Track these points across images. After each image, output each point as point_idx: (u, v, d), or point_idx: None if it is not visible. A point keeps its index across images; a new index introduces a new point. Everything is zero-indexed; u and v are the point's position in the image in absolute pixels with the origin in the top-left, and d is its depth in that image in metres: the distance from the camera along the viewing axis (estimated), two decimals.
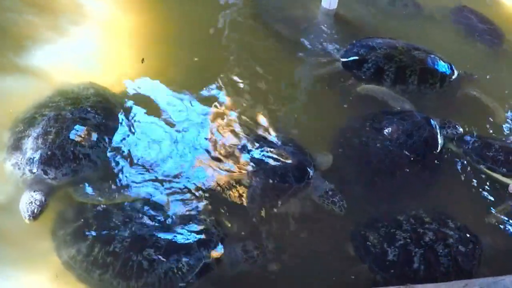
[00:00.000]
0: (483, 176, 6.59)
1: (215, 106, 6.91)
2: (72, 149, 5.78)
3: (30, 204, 5.41)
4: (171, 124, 6.59)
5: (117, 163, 6.07)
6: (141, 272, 5.12)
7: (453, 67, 7.75)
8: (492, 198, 6.40)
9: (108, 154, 6.06)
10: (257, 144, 6.33)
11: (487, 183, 6.53)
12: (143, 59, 7.32)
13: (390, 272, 5.44)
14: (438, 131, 6.72)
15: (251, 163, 6.13)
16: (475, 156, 6.60)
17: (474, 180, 6.58)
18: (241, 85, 7.33)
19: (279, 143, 6.40)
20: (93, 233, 5.37)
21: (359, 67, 7.49)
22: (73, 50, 7.39)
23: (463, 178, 6.62)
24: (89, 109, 6.26)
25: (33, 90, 6.63)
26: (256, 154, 6.21)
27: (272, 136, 6.55)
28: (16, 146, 5.80)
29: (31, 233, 5.52)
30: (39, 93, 6.48)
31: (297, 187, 6.01)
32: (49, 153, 5.68)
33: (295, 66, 8.00)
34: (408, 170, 6.43)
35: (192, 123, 6.67)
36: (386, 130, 6.64)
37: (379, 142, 6.56)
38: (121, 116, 6.48)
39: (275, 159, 6.13)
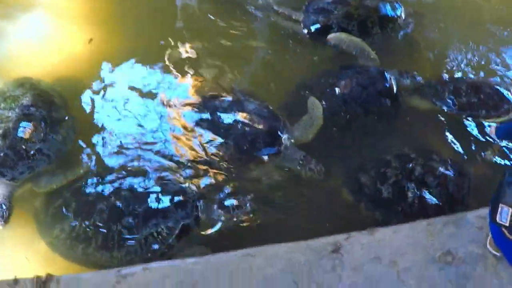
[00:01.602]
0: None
1: (178, 77, 6.87)
2: (23, 147, 5.77)
3: None
4: (131, 100, 6.56)
5: (71, 150, 6.08)
6: (122, 241, 5.18)
7: (400, 6, 7.68)
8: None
9: (59, 144, 6.03)
10: (228, 110, 6.25)
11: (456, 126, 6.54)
12: (90, 39, 7.21)
13: (387, 208, 5.57)
14: (394, 82, 6.66)
15: (222, 129, 6.08)
16: (454, 108, 6.51)
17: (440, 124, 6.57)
18: (201, 54, 7.24)
19: (252, 108, 6.28)
20: (73, 211, 5.41)
21: (324, 34, 7.37)
22: (23, 37, 7.29)
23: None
24: (30, 104, 6.15)
25: None
26: (228, 119, 6.15)
27: (244, 101, 6.41)
28: None
29: (13, 222, 5.56)
30: None
31: (267, 152, 5.99)
32: (1, 155, 5.65)
33: (255, 29, 7.87)
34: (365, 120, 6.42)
35: (152, 95, 6.62)
36: (340, 84, 6.60)
37: (333, 96, 6.51)
38: (63, 103, 6.42)
39: (246, 125, 6.08)
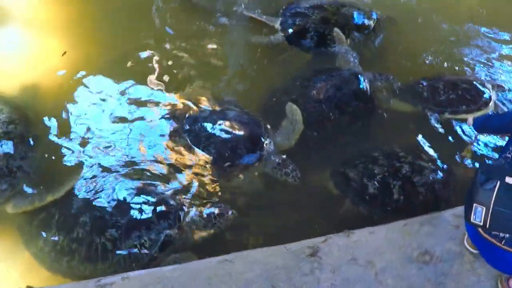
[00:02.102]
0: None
1: (156, 87, 6.89)
2: (5, 164, 5.78)
3: None
4: (109, 112, 6.58)
5: (51, 164, 6.06)
6: (106, 253, 5.18)
7: (375, 14, 7.87)
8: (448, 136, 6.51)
9: (38, 160, 6.06)
10: (208, 118, 6.29)
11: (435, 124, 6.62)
12: (64, 52, 7.22)
13: (371, 203, 5.62)
14: (367, 84, 6.76)
15: (203, 137, 6.12)
16: (435, 107, 6.63)
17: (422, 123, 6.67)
18: (177, 63, 7.28)
19: (233, 116, 6.33)
20: (56, 223, 5.42)
21: (301, 37, 7.55)
22: None
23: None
24: (7, 121, 6.15)
25: None
26: (208, 127, 6.18)
27: (224, 109, 6.48)
28: None
29: None
30: None
31: (249, 159, 6.03)
32: None
33: (232, 36, 7.92)
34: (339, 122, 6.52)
35: (130, 106, 6.65)
36: (314, 87, 6.67)
37: (307, 98, 6.58)
38: (38, 119, 6.43)
39: (227, 132, 6.11)
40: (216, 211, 5.56)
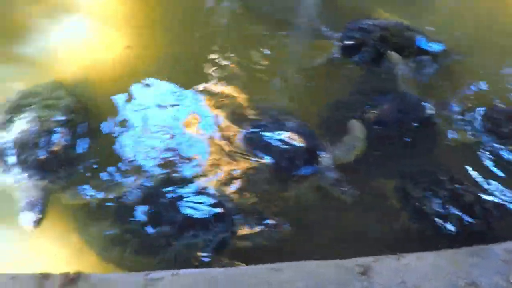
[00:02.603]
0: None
1: (213, 94, 6.94)
2: (63, 152, 5.86)
3: (30, 211, 5.41)
4: (165, 113, 6.67)
5: (109, 157, 6.09)
6: (158, 249, 5.22)
7: (443, 45, 7.85)
8: None
9: (94, 153, 6.08)
10: (267, 128, 6.36)
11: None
12: (128, 46, 7.36)
13: (427, 223, 5.70)
14: (431, 112, 6.74)
15: (261, 146, 6.21)
16: (496, 140, 6.62)
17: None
18: (235, 68, 7.36)
19: (291, 127, 6.36)
20: (112, 213, 5.50)
21: (356, 51, 7.58)
22: (64, 38, 7.44)
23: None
24: (66, 110, 6.21)
25: (28, 80, 6.72)
26: (267, 137, 6.26)
27: (283, 120, 6.51)
28: (2, 153, 5.73)
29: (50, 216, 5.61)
30: (33, 83, 6.60)
31: (306, 170, 6.08)
32: (45, 157, 5.71)
33: (291, 46, 8.05)
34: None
35: (188, 108, 6.74)
36: (381, 107, 6.73)
37: (373, 118, 6.63)
38: (99, 111, 6.49)
39: (285, 143, 6.17)
40: (272, 221, 5.57)
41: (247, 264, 5.07)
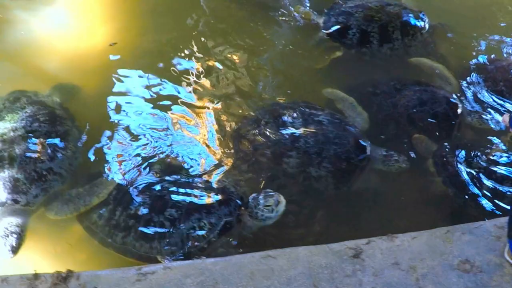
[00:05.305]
0: None
1: (203, 87, 7.07)
2: (33, 168, 5.56)
3: (7, 238, 5.20)
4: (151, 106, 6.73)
5: (86, 162, 6.05)
6: (163, 233, 5.28)
7: (425, 15, 7.80)
8: None
9: (69, 159, 5.91)
10: (302, 117, 6.41)
11: None
12: (114, 43, 7.32)
13: (461, 189, 5.87)
14: (459, 111, 6.67)
15: (290, 136, 6.27)
16: None
17: None
18: (227, 62, 7.47)
19: (324, 117, 6.43)
20: (114, 198, 5.57)
21: (344, 35, 7.62)
22: (45, 31, 7.43)
23: None
24: (30, 119, 5.94)
25: (6, 74, 6.80)
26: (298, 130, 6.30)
27: (309, 111, 6.53)
28: None
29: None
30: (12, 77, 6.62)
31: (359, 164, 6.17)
32: (12, 180, 5.45)
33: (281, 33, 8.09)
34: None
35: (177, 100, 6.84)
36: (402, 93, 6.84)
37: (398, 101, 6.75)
38: (66, 114, 6.35)
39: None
40: (278, 205, 5.47)
41: (249, 248, 5.13)
